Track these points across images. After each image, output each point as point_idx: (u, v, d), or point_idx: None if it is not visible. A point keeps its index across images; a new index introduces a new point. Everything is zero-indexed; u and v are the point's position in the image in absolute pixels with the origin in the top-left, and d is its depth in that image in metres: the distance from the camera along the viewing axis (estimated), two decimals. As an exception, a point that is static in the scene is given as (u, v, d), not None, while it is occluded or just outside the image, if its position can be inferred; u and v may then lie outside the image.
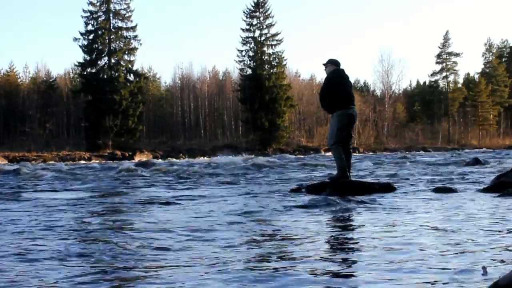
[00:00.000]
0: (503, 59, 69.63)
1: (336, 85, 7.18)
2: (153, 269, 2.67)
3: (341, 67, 7.40)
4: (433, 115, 65.91)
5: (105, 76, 44.04)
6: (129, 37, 44.84)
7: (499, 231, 3.63)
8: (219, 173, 12.30)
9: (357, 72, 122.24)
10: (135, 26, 44.87)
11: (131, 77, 45.32)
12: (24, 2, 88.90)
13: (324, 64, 7.41)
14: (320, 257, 2.92)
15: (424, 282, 2.34)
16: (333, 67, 7.33)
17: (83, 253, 3.06)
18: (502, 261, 2.71)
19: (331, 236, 3.69)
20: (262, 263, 2.80)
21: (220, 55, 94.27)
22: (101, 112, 42.51)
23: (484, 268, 2.48)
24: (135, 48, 44.89)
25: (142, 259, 2.92)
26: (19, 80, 57.50)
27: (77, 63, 45.34)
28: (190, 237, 3.62)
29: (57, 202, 6.12)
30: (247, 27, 49.04)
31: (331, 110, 7.30)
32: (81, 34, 44.09)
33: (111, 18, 44.52)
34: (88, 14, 44.15)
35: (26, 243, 3.40)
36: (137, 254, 3.04)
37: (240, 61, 49.29)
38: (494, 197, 5.83)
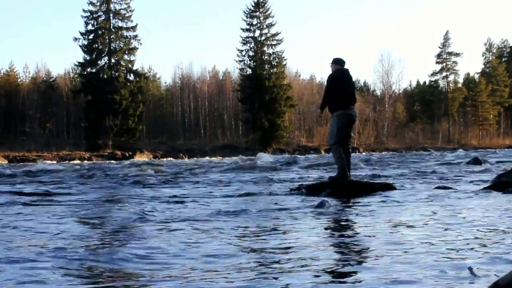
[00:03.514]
0: (503, 59, 69.60)
1: (337, 84, 7.16)
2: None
3: (345, 66, 7.37)
4: (433, 115, 65.88)
5: (105, 76, 44.05)
6: (129, 37, 44.88)
7: (500, 230, 3.64)
8: (219, 173, 12.30)
9: (357, 72, 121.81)
10: (135, 26, 44.93)
11: (131, 77, 45.35)
12: (24, 2, 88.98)
13: (330, 64, 7.39)
14: (318, 256, 2.93)
15: (424, 281, 2.35)
16: (337, 66, 7.31)
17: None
18: (500, 260, 2.72)
19: (331, 236, 3.69)
20: (261, 260, 2.81)
21: (220, 55, 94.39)
22: (101, 112, 42.52)
23: (470, 269, 2.43)
24: (135, 48, 44.92)
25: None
26: (19, 80, 57.44)
27: (77, 63, 45.44)
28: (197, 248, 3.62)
29: None
30: (247, 27, 49.11)
31: (330, 110, 7.29)
32: (81, 34, 44.14)
33: (111, 18, 44.55)
34: (88, 14, 44.20)
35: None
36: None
37: (240, 61, 49.37)
38: (494, 196, 5.83)
